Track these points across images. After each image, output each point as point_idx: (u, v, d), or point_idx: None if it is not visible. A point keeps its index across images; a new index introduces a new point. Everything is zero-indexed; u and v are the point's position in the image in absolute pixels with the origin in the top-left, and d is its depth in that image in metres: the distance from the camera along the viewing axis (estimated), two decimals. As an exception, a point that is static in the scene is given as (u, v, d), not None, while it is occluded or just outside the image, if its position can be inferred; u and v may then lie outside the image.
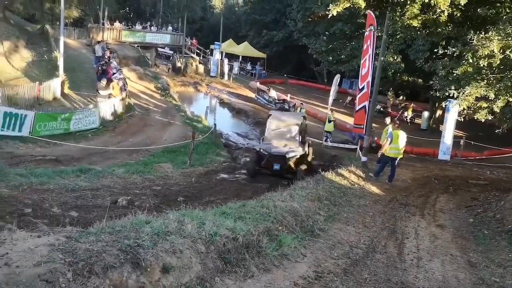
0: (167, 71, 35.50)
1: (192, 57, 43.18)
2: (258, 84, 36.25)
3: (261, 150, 13.27)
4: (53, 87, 20.84)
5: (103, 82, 20.92)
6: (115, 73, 22.87)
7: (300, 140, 14.01)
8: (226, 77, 40.62)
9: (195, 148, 15.44)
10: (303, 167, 13.64)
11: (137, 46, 36.94)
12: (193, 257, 4.67)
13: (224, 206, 6.90)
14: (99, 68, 22.94)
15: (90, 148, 15.24)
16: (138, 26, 40.49)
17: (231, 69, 42.19)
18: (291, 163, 13.10)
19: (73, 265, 3.83)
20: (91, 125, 19.23)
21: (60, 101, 21.04)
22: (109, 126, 20.12)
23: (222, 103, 32.71)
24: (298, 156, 13.41)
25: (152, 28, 41.74)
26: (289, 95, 32.30)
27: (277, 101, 30.67)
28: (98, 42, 30.23)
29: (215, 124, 20.79)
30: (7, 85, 18.75)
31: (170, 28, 43.83)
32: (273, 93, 31.72)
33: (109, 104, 20.83)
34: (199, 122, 23.86)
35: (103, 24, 36.01)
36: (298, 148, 13.62)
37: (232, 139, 22.83)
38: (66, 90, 22.10)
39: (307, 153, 14.26)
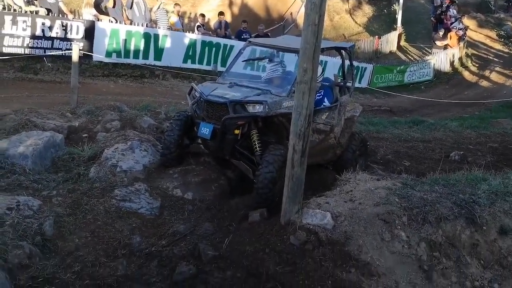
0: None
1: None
2: None
3: (195, 90, 5.50)
4: (390, 40, 21.59)
5: (440, 32, 20.37)
6: (453, 22, 21.76)
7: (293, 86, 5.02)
8: None
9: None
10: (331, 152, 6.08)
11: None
12: (538, 224, 4.24)
13: None
14: (436, 17, 22.32)
15: (423, 100, 15.21)
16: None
17: None
18: (240, 126, 5.12)
19: (408, 210, 4.08)
20: (425, 77, 19.20)
21: (395, 53, 21.68)
22: (443, 78, 19.59)
23: None
24: (275, 117, 5.16)
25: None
26: None
27: None
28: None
29: None
30: (349, 40, 20.49)
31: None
32: None
33: (444, 55, 20.17)
34: (551, 74, 20.49)
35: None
36: (280, 100, 5.16)
37: None
38: (402, 43, 22.52)
39: (332, 127, 5.78)
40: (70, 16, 11.33)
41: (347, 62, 6.74)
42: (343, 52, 6.69)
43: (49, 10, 10.89)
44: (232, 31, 15.20)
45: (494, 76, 20.40)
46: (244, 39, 14.31)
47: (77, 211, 4.30)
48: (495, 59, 22.92)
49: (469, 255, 3.99)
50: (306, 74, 3.70)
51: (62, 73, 10.77)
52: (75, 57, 7.74)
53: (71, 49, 8.02)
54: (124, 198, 4.66)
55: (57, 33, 10.70)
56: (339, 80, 6.51)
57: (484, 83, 19.59)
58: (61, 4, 11.31)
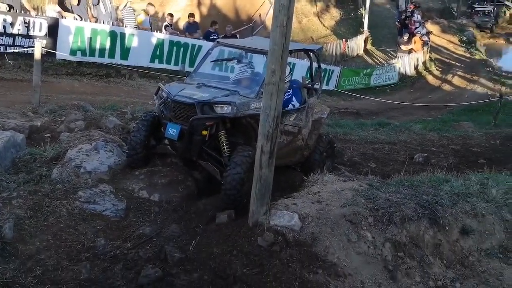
0: (488, 32, 31.71)
1: (506, 5, 37.93)
2: None
3: (162, 91, 5.41)
4: (357, 44, 21.96)
5: (405, 37, 20.85)
6: (417, 27, 22.31)
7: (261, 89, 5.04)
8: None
9: (502, 108, 13.91)
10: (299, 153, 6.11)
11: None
12: (497, 224, 4.38)
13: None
14: (401, 22, 22.83)
15: (388, 103, 15.52)
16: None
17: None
18: (208, 127, 5.08)
19: (374, 211, 4.15)
20: (390, 80, 19.60)
21: (362, 57, 22.06)
22: (407, 82, 20.08)
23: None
24: (244, 118, 5.18)
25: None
26: None
27: None
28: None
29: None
30: (317, 42, 20.73)
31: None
32: None
33: (408, 59, 20.67)
34: (510, 79, 21.26)
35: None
36: (248, 102, 5.14)
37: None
38: (369, 46, 22.96)
39: (299, 129, 5.82)
40: (33, 13, 10.98)
41: (315, 65, 6.79)
42: (311, 54, 6.71)
43: (10, 6, 10.50)
44: (200, 31, 15.10)
45: (456, 80, 21.03)
46: (212, 40, 14.23)
47: (38, 214, 4.15)
48: (457, 64, 23.63)
49: (432, 255, 4.07)
50: (274, 75, 3.70)
51: (24, 71, 10.43)
52: (37, 54, 7.51)
53: (33, 47, 7.79)
54: (88, 199, 4.54)
55: (19, 30, 10.33)
56: (307, 82, 6.55)
57: (447, 87, 20.17)
58: (23, 0, 10.96)
